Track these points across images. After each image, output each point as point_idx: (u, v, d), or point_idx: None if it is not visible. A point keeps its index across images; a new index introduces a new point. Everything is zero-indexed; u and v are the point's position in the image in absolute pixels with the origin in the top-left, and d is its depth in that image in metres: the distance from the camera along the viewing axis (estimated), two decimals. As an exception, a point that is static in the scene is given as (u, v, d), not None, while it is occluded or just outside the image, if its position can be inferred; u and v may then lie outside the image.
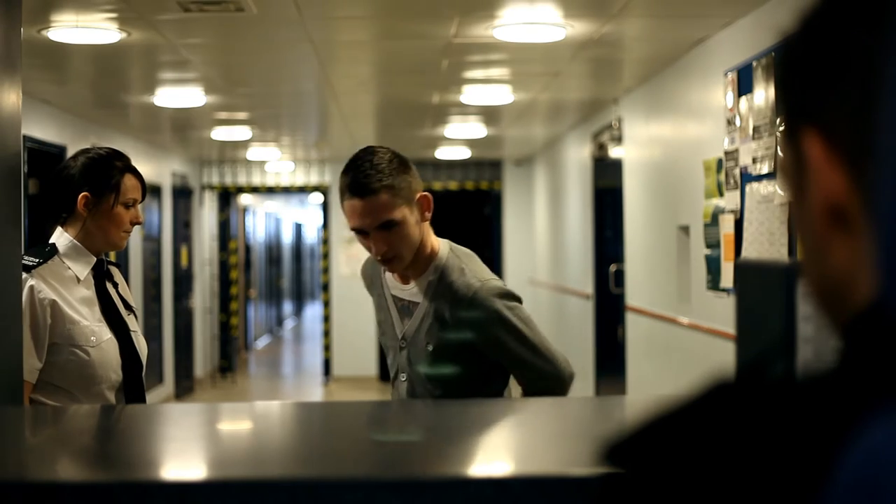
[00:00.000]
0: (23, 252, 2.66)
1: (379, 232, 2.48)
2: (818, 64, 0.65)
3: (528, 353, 2.44)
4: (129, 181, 2.75)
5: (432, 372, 2.52)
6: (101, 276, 2.76)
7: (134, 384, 2.71)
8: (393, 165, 2.49)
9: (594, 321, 8.07)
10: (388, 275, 2.63)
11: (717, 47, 4.97)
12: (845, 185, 0.62)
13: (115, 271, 2.86)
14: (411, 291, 2.58)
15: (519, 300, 2.50)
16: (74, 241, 2.72)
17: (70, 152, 7.30)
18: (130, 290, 2.94)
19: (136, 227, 2.84)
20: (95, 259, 2.75)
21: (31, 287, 2.60)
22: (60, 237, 2.73)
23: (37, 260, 2.66)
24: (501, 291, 2.49)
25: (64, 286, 2.67)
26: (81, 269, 2.71)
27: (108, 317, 2.72)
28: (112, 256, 2.91)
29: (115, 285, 2.81)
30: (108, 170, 2.73)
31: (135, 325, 2.80)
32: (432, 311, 2.54)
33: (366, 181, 2.46)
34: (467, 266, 2.54)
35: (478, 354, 2.47)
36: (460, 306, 2.49)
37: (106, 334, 2.68)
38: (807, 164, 0.65)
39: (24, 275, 2.60)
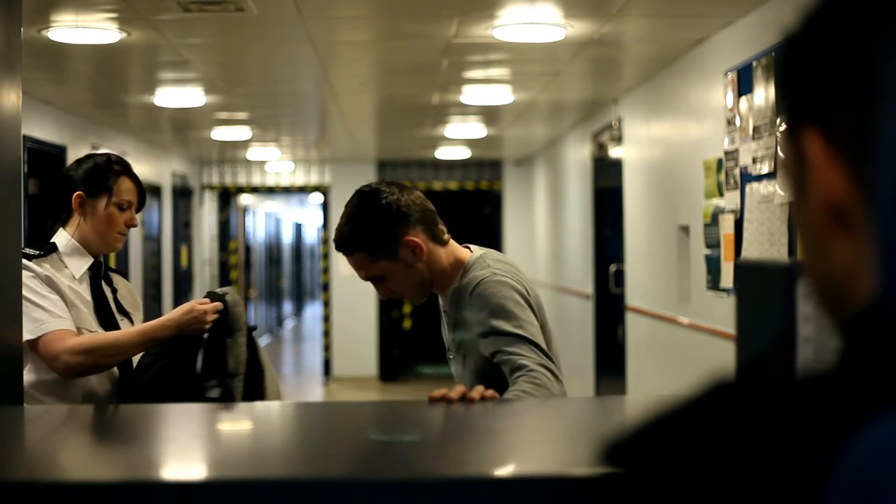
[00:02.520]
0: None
1: (373, 282, 2.52)
2: (819, 64, 0.65)
3: (509, 329, 2.32)
4: (124, 184, 2.80)
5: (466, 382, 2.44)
6: (97, 277, 2.80)
7: (125, 384, 2.75)
8: (368, 221, 2.44)
9: (594, 321, 8.07)
10: None
11: (717, 47, 4.97)
12: (845, 185, 0.62)
13: (117, 278, 2.92)
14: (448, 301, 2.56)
15: (521, 294, 2.41)
16: (73, 240, 2.78)
17: (70, 152, 7.31)
18: (138, 298, 3.01)
19: (136, 229, 2.90)
20: (93, 259, 2.80)
21: (31, 266, 2.67)
22: (60, 236, 2.80)
23: (37, 252, 2.73)
24: (504, 282, 2.41)
25: (61, 280, 2.72)
26: (78, 268, 2.77)
27: (101, 317, 2.76)
28: (112, 259, 2.96)
29: (115, 291, 2.86)
30: (103, 171, 2.80)
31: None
32: (456, 318, 2.51)
33: (340, 240, 2.48)
34: (488, 264, 2.47)
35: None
36: (468, 302, 2.44)
37: (95, 329, 2.70)
38: (807, 163, 0.65)
39: (28, 262, 2.67)
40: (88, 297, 2.76)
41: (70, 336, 2.60)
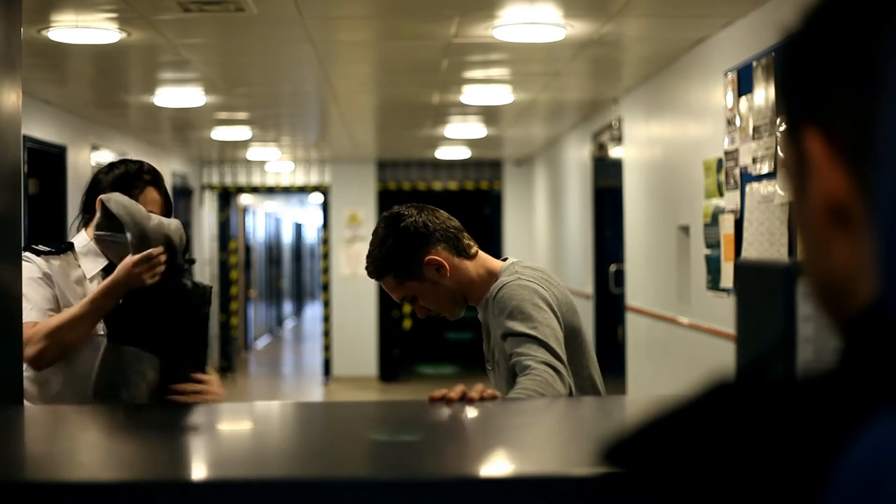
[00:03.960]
0: (34, 245, 2.77)
1: (408, 303, 2.62)
2: (820, 63, 0.65)
3: (522, 330, 2.35)
4: (150, 194, 2.80)
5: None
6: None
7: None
8: (390, 246, 2.53)
9: (594, 321, 8.08)
10: None
11: (717, 47, 4.97)
12: (846, 185, 0.62)
13: None
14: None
15: (541, 297, 2.43)
16: (91, 241, 2.79)
17: (70, 152, 7.31)
18: None
19: None
20: (107, 262, 2.80)
21: (36, 263, 2.68)
22: (80, 236, 2.81)
23: (49, 249, 2.75)
24: (525, 285, 2.44)
25: (68, 279, 2.73)
26: (91, 269, 2.78)
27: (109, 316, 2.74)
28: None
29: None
30: (132, 179, 2.79)
31: None
32: (487, 327, 2.55)
33: (368, 266, 2.59)
34: (515, 271, 2.52)
35: None
36: (492, 308, 2.47)
37: (99, 329, 2.69)
38: (808, 162, 0.65)
39: (33, 256, 2.69)
40: None
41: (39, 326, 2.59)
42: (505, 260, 2.64)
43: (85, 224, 2.84)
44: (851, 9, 0.63)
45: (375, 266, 2.56)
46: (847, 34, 0.63)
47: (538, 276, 2.52)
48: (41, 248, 2.74)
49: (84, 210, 2.85)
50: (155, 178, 2.83)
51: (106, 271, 2.80)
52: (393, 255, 2.53)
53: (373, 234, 2.59)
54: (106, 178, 2.81)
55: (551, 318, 2.40)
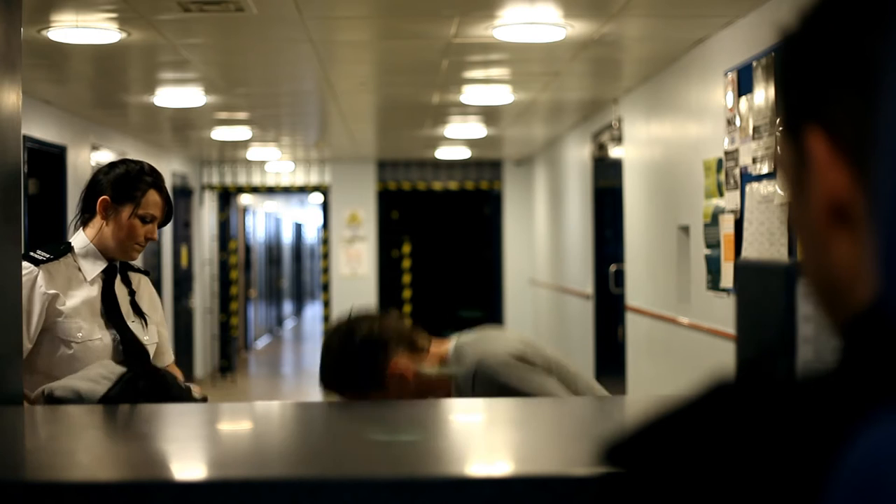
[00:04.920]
0: (35, 248, 2.77)
1: None
2: (821, 62, 0.65)
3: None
4: (151, 197, 2.80)
5: None
6: (110, 280, 2.80)
7: None
8: (349, 362, 2.40)
9: (594, 321, 8.07)
10: None
11: (717, 47, 4.97)
12: (848, 183, 0.62)
13: (136, 278, 2.91)
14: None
15: (515, 357, 2.35)
16: (91, 242, 2.79)
17: (70, 152, 7.32)
18: (157, 298, 2.98)
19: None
20: (107, 263, 2.80)
21: (35, 279, 2.68)
22: (79, 237, 2.81)
23: (48, 255, 2.74)
24: (500, 361, 2.34)
25: (68, 282, 2.73)
26: (91, 271, 2.78)
27: (111, 318, 2.76)
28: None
29: (132, 293, 2.86)
30: (134, 181, 2.80)
31: (140, 332, 2.81)
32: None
33: (329, 382, 2.46)
34: (467, 353, 2.41)
35: None
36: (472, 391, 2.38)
37: (97, 334, 2.71)
38: (809, 161, 0.65)
39: (32, 267, 2.69)
40: (97, 300, 2.76)
41: None
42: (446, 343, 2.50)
43: (83, 224, 2.84)
44: (851, 8, 0.63)
45: (338, 383, 2.44)
46: (847, 33, 0.63)
47: (490, 338, 2.44)
48: (39, 255, 2.73)
49: (83, 210, 2.85)
50: (156, 180, 2.84)
51: (105, 273, 2.80)
52: (354, 370, 2.40)
53: (324, 348, 2.45)
54: (106, 178, 2.82)
55: (539, 372, 2.33)
